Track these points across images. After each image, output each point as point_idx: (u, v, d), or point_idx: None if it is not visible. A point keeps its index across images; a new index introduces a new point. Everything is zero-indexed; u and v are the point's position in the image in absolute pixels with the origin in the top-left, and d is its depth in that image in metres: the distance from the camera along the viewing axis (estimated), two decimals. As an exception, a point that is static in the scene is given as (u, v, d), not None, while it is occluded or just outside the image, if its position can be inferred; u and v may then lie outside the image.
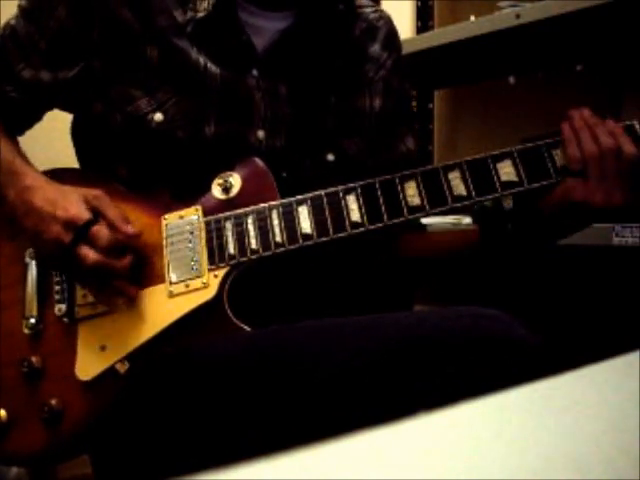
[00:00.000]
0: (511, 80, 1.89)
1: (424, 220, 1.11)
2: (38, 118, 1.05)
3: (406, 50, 1.65)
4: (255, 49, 0.98)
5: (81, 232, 0.85)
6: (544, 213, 0.92)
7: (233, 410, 0.79)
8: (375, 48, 1.08)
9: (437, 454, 0.28)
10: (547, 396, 0.36)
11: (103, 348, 0.89)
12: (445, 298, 1.84)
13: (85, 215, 0.86)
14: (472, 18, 1.68)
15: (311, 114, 1.01)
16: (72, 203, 0.87)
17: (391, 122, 1.09)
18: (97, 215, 0.88)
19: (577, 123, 0.89)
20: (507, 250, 1.00)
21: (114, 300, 0.89)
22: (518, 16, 1.48)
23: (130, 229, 0.88)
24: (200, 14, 0.95)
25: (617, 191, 0.87)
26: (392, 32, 1.11)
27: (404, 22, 2.08)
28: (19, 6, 1.00)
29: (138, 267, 0.90)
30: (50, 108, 1.04)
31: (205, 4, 0.95)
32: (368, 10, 1.09)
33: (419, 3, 2.12)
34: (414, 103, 2.11)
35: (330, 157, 1.01)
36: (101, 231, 0.86)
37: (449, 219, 1.54)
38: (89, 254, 0.85)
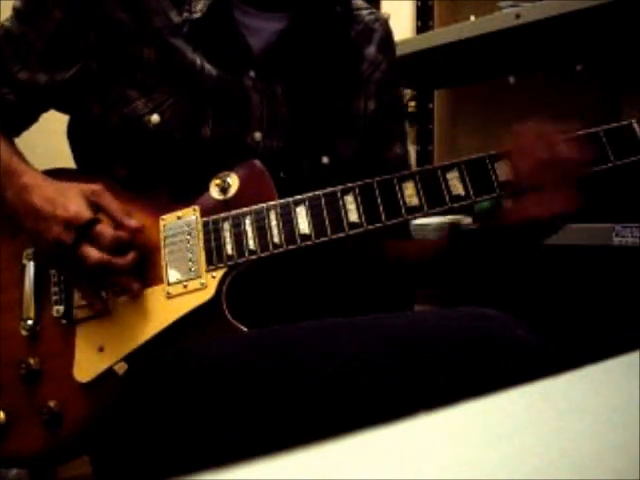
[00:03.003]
0: (511, 80, 1.89)
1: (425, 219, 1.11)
2: (34, 119, 1.05)
3: (406, 50, 1.66)
4: (251, 50, 0.97)
5: (83, 232, 0.85)
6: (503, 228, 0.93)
7: (232, 410, 0.79)
8: (371, 50, 1.08)
9: (437, 454, 0.28)
10: (547, 396, 0.36)
11: (101, 349, 0.88)
12: (445, 298, 1.84)
13: (86, 214, 0.86)
14: (472, 18, 1.68)
15: (307, 116, 1.01)
16: (72, 201, 0.87)
17: (382, 126, 1.09)
18: (98, 211, 0.87)
19: (523, 139, 0.88)
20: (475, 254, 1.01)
21: (110, 302, 0.89)
22: (518, 16, 1.48)
23: (133, 222, 0.88)
24: (196, 15, 0.95)
25: (571, 196, 0.86)
26: (388, 35, 1.12)
27: (404, 22, 2.08)
28: (14, 8, 1.00)
29: (136, 268, 0.89)
30: (46, 110, 1.04)
31: (200, 5, 0.95)
32: (364, 12, 1.09)
33: (419, 3, 2.11)
34: (414, 103, 2.11)
35: (325, 160, 1.01)
36: (104, 229, 0.86)
37: (449, 219, 1.54)
38: (92, 253, 0.85)
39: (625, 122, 0.89)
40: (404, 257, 1.11)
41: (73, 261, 0.86)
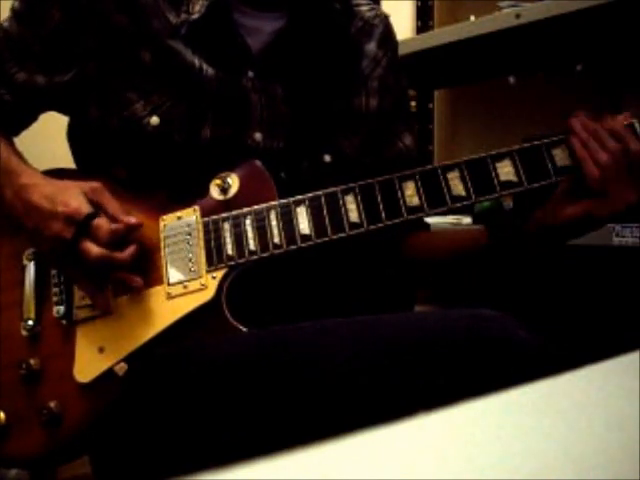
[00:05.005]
0: (511, 80, 1.89)
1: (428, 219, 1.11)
2: (33, 119, 1.05)
3: (406, 50, 1.65)
4: (250, 50, 0.97)
5: (82, 226, 0.85)
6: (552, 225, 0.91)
7: (232, 410, 0.79)
8: (371, 46, 1.08)
9: (437, 454, 0.28)
10: (547, 396, 0.36)
11: (101, 350, 0.88)
12: (446, 299, 1.84)
13: (85, 209, 0.86)
14: (472, 18, 1.68)
15: (308, 114, 1.01)
16: (71, 197, 0.86)
17: (388, 121, 1.09)
18: (97, 208, 0.87)
19: (583, 135, 0.85)
20: (514, 252, 0.98)
21: (111, 302, 0.89)
22: (518, 16, 1.48)
23: (131, 219, 0.87)
24: (194, 16, 0.94)
25: (631, 191, 0.84)
26: (388, 30, 1.11)
27: (404, 22, 2.08)
28: (12, 9, 1.00)
29: (136, 268, 0.89)
30: (45, 110, 1.04)
31: (199, 6, 0.94)
32: (364, 8, 1.09)
33: (419, 3, 2.12)
34: (414, 103, 2.11)
35: (327, 158, 1.01)
36: (102, 224, 0.85)
37: (449, 219, 1.54)
38: (92, 248, 0.84)
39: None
40: (434, 250, 1.09)
41: (74, 257, 0.86)
